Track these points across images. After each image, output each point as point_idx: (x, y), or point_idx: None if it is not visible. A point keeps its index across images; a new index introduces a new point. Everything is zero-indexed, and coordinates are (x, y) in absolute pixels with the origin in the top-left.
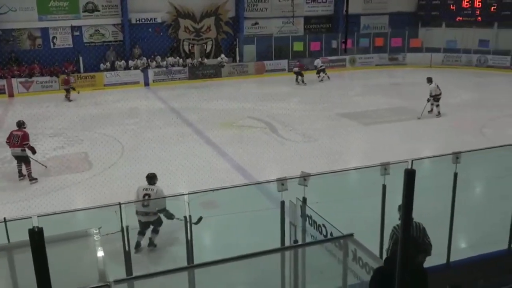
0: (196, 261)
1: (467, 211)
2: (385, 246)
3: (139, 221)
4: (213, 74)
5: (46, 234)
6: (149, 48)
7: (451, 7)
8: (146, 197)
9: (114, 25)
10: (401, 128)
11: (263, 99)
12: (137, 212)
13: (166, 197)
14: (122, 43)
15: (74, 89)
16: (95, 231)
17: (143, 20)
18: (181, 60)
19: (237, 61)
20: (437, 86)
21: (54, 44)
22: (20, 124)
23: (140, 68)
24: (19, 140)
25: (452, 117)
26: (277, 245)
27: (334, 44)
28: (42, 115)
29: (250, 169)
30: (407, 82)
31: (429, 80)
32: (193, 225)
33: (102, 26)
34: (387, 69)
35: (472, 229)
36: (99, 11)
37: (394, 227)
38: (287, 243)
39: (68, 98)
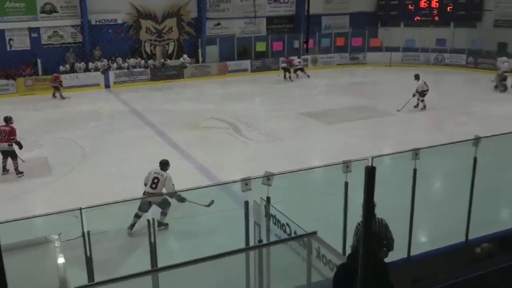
0: (160, 265)
1: (426, 206)
2: (349, 243)
3: (143, 202)
4: (175, 75)
5: (3, 242)
6: (109, 49)
7: (409, 7)
8: (155, 181)
9: (73, 26)
10: (362, 126)
11: (226, 99)
12: (144, 193)
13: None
14: (81, 45)
15: (61, 86)
16: (55, 237)
17: (103, 21)
18: (142, 62)
19: (200, 62)
20: (425, 82)
21: (10, 46)
22: (8, 120)
23: (101, 70)
24: (6, 135)
25: (412, 115)
26: (242, 245)
27: (296, 44)
28: None
29: (214, 170)
30: (368, 81)
31: (417, 77)
32: (156, 229)
33: (61, 28)
34: (348, 68)
35: (431, 223)
36: (57, 12)
37: (358, 224)
38: (251, 243)
39: (60, 96)
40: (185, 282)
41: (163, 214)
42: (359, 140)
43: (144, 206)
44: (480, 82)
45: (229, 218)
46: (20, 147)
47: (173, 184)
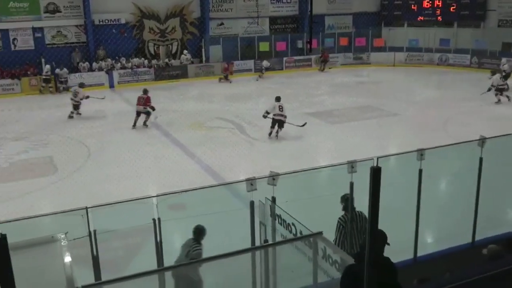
0: (166, 264)
1: (432, 207)
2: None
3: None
4: (179, 75)
5: (10, 240)
6: (113, 49)
7: (413, 7)
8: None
9: (77, 26)
10: (367, 126)
11: (230, 99)
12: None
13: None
14: (85, 45)
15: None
16: (61, 236)
17: (106, 21)
18: (146, 61)
19: (203, 61)
20: (501, 77)
21: (15, 46)
22: (145, 91)
23: (105, 69)
24: (144, 100)
25: (417, 115)
26: (247, 245)
27: (299, 44)
28: (3, 119)
29: (219, 170)
30: (372, 81)
31: (493, 73)
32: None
33: (65, 27)
34: (352, 68)
35: (437, 224)
36: (61, 12)
37: (340, 219)
38: (257, 243)
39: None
40: None
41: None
42: (364, 140)
43: None
44: (483, 82)
45: (234, 218)
46: (153, 109)
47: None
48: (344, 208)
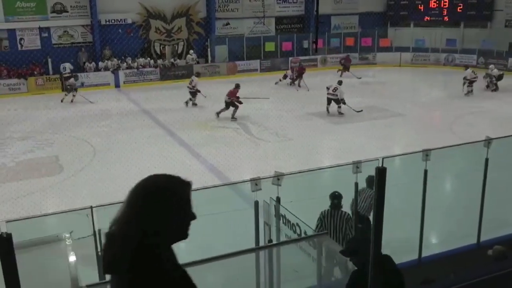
0: None
1: (437, 207)
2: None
3: None
4: (185, 75)
5: (15, 240)
6: (119, 49)
7: (419, 7)
8: None
9: (83, 26)
10: (372, 126)
11: None
12: None
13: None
14: (92, 44)
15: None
16: (66, 236)
17: (113, 21)
18: (152, 61)
19: (209, 61)
20: (473, 71)
21: (21, 45)
22: (236, 85)
23: (111, 69)
24: (230, 93)
25: (422, 115)
26: (252, 245)
27: (305, 44)
28: (10, 118)
29: (224, 170)
30: (377, 81)
31: (466, 68)
32: None
33: (71, 27)
34: (357, 68)
35: (442, 224)
36: (67, 12)
37: (321, 213)
38: (261, 243)
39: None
40: (195, 281)
41: None
42: (369, 140)
43: None
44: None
45: (239, 218)
46: (240, 103)
47: None
48: (332, 206)
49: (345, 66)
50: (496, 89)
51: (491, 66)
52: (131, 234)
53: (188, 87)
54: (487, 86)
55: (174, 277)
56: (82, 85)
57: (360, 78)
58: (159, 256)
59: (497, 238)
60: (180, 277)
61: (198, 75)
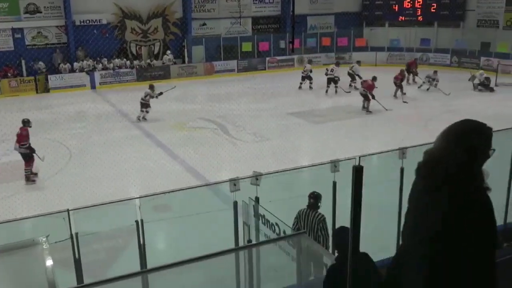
0: (149, 266)
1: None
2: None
3: None
4: (161, 76)
5: None
6: (95, 50)
7: (394, 7)
8: None
9: (57, 26)
10: (350, 125)
11: (213, 100)
12: None
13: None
14: (66, 45)
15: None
16: (43, 240)
17: (87, 22)
18: (128, 62)
19: (186, 62)
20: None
21: None
22: (375, 78)
23: (86, 70)
24: (367, 86)
25: (398, 113)
26: (231, 245)
27: (282, 44)
28: None
29: (202, 171)
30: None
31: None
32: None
33: (45, 28)
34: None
35: None
36: (41, 12)
37: (299, 211)
38: (241, 243)
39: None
40: (175, 283)
41: None
42: (347, 139)
43: None
44: (464, 82)
45: (218, 218)
46: (373, 96)
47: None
48: (308, 205)
49: (413, 72)
50: (491, 89)
51: (481, 71)
52: (459, 155)
53: (142, 98)
54: (475, 88)
55: (485, 193)
56: None
57: (449, 94)
58: (475, 175)
59: None
60: (487, 197)
61: (152, 87)
